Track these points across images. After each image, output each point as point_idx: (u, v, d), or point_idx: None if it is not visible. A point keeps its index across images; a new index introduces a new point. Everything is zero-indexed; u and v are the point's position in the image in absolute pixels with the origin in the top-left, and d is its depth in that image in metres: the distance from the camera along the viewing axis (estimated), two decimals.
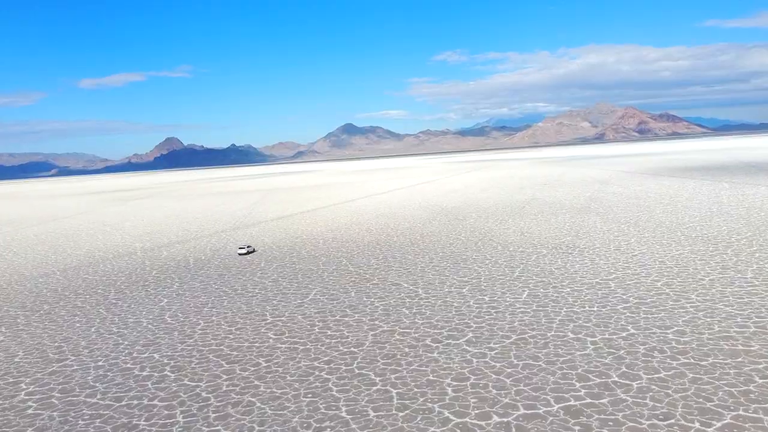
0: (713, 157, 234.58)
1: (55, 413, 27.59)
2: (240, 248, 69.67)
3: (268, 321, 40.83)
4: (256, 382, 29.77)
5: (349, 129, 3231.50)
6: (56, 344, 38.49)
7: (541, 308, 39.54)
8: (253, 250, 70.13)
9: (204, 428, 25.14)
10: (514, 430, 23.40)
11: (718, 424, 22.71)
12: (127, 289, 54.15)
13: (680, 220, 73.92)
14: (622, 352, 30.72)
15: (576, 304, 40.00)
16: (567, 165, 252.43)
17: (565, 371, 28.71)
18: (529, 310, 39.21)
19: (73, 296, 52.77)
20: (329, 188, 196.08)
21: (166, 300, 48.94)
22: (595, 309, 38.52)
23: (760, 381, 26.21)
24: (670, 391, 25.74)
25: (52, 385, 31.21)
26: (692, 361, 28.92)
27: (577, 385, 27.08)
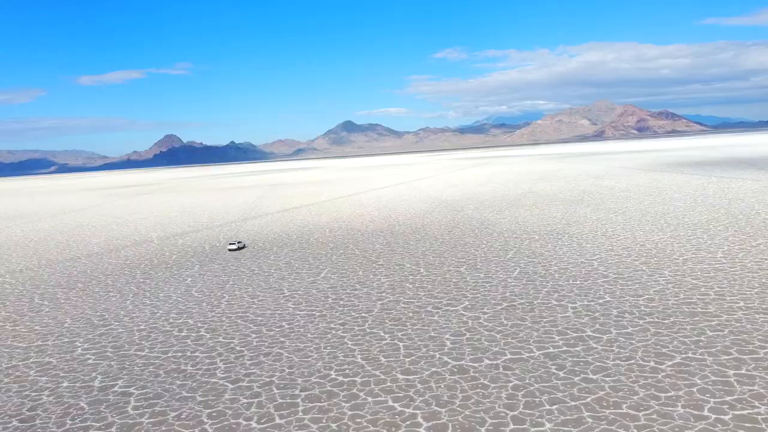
0: (708, 154, 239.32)
1: (112, 362, 32.34)
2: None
3: (285, 294, 45.54)
4: (281, 339, 34.52)
5: (349, 126, 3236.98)
6: (98, 313, 43.20)
7: (530, 282, 44.26)
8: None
9: (242, 370, 29.91)
10: (501, 369, 28.19)
11: (670, 363, 27.48)
12: (152, 271, 58.84)
13: (665, 209, 78.64)
14: (597, 314, 35.50)
15: (561, 278, 44.74)
16: (565, 161, 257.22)
17: (547, 328, 33.46)
18: (519, 284, 43.96)
19: (102, 276, 57.45)
20: (332, 183, 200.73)
21: (190, 279, 53.63)
22: (578, 282, 43.25)
23: (710, 333, 30.97)
24: (633, 341, 30.51)
25: (103, 343, 35.95)
26: (656, 320, 33.68)
27: (557, 338, 31.83)
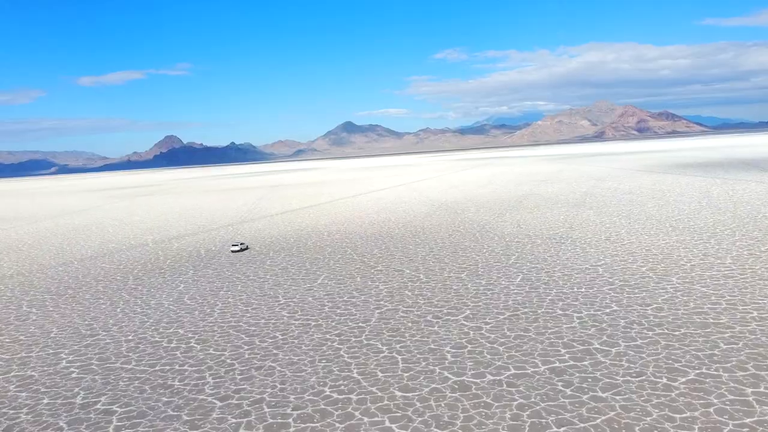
0: (709, 155, 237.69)
1: (96, 377, 30.90)
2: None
3: (281, 302, 44.08)
4: (274, 351, 33.06)
5: (349, 127, 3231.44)
6: (86, 322, 41.74)
7: (533, 290, 42.78)
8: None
9: (232, 386, 28.48)
10: (505, 385, 26.74)
11: (683, 380, 26.03)
12: (145, 276, 57.37)
13: (670, 213, 77.15)
14: (605, 324, 34.03)
15: (565, 286, 43.26)
16: (565, 162, 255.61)
17: (552, 340, 32.01)
18: (522, 292, 42.49)
19: (94, 282, 56.00)
20: (332, 185, 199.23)
21: (183, 285, 52.17)
22: (583, 290, 41.78)
23: (724, 347, 29.52)
24: (643, 355, 29.05)
25: (89, 355, 34.49)
26: (666, 331, 32.22)
27: (563, 351, 30.38)
